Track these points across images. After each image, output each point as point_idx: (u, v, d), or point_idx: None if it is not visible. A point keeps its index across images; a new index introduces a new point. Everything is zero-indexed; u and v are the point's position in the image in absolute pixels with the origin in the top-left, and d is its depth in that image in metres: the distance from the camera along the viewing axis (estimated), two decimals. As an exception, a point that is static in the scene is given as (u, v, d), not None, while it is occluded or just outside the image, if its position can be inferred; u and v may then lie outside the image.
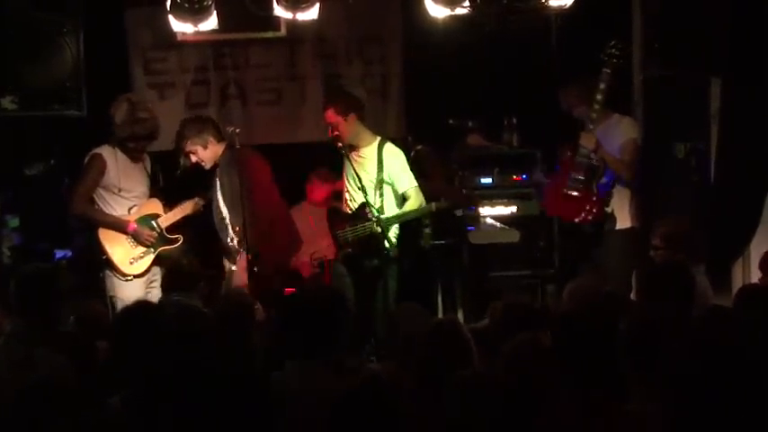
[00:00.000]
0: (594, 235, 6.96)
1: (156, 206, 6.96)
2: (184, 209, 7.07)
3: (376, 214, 6.64)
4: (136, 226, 6.78)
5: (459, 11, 6.86)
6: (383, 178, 6.83)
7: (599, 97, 6.71)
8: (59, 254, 7.62)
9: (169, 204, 7.02)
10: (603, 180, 6.85)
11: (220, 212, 7.08)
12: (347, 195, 7.01)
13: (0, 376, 4.30)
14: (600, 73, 6.69)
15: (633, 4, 7.68)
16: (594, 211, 6.83)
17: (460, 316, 7.45)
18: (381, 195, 6.82)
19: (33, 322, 4.60)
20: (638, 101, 7.79)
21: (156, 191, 7.00)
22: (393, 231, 6.85)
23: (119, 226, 6.77)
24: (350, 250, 6.93)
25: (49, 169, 7.88)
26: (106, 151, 6.78)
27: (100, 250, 6.74)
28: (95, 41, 7.47)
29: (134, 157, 6.85)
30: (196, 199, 7.13)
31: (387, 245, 6.66)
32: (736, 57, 6.89)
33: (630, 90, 7.76)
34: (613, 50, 6.66)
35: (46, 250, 7.63)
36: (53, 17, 7.13)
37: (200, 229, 7.30)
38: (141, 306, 4.77)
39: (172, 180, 7.16)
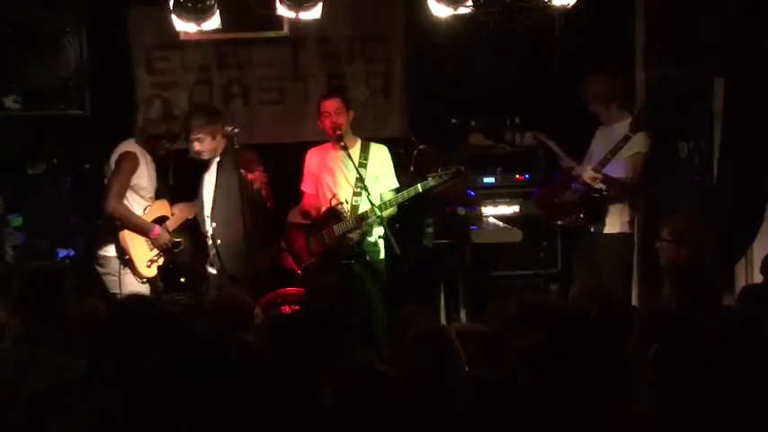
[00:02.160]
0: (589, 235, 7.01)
1: (165, 208, 6.98)
2: (185, 212, 7.08)
3: (379, 213, 6.66)
4: (159, 230, 6.79)
5: (462, 10, 6.84)
6: (364, 177, 6.84)
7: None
8: (62, 253, 7.62)
9: (174, 203, 7.05)
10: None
11: (202, 203, 7.11)
12: (329, 195, 6.98)
13: (7, 377, 4.29)
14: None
15: (636, 2, 7.68)
16: (579, 222, 6.95)
17: (463, 316, 7.46)
18: (359, 197, 6.84)
19: (39, 322, 4.59)
20: (640, 100, 7.78)
21: (160, 189, 7.02)
22: (378, 233, 6.89)
23: (145, 229, 6.77)
24: (313, 261, 6.95)
25: (52, 169, 7.88)
26: (137, 150, 6.79)
27: (123, 251, 6.73)
28: (98, 41, 7.48)
29: (158, 155, 6.87)
30: (196, 201, 7.14)
31: (390, 243, 6.69)
32: (739, 56, 6.89)
33: (633, 89, 7.76)
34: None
35: (48, 249, 7.63)
36: (56, 16, 7.13)
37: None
38: (139, 299, 4.77)
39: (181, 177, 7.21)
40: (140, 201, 6.82)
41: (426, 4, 6.91)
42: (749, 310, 4.80)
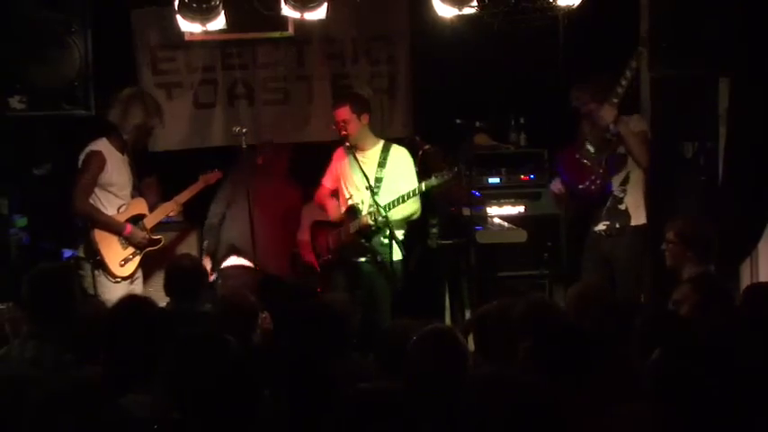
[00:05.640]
0: (605, 236, 7.01)
1: (142, 206, 7.01)
2: (165, 209, 7.11)
3: (384, 214, 6.68)
4: (132, 228, 6.81)
5: (467, 10, 6.85)
6: (382, 177, 6.87)
7: (624, 82, 6.72)
8: (67, 253, 7.62)
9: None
10: (620, 150, 6.92)
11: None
12: (347, 195, 7.04)
13: (14, 374, 4.29)
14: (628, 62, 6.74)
15: (641, 3, 7.67)
16: (599, 182, 6.93)
17: (468, 316, 7.44)
18: (377, 196, 6.85)
19: (47, 321, 4.60)
20: (646, 100, 7.78)
21: (137, 187, 7.04)
22: (398, 234, 6.90)
23: (116, 228, 6.81)
24: (329, 257, 7.00)
25: (57, 169, 7.88)
26: (105, 148, 6.83)
27: (94, 251, 6.76)
28: (103, 41, 7.48)
29: (136, 149, 6.90)
30: (175, 199, 7.17)
31: (393, 245, 6.70)
32: (744, 56, 6.87)
33: (639, 90, 7.75)
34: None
35: (53, 250, 7.63)
36: (61, 16, 7.13)
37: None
38: (135, 301, 4.77)
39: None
40: (114, 199, 6.87)
41: (431, 5, 6.91)
42: (753, 310, 4.79)
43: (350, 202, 7.03)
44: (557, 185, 7.36)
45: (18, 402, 3.61)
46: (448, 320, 7.62)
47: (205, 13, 6.80)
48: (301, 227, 8.09)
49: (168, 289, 5.97)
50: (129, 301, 4.76)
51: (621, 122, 6.79)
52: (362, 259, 6.94)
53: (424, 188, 6.81)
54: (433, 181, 6.79)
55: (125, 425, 3.40)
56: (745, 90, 7.03)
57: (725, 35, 6.87)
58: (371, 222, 6.75)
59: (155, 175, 7.76)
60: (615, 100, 6.77)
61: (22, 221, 7.75)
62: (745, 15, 6.81)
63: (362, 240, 6.89)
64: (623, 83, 6.74)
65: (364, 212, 6.89)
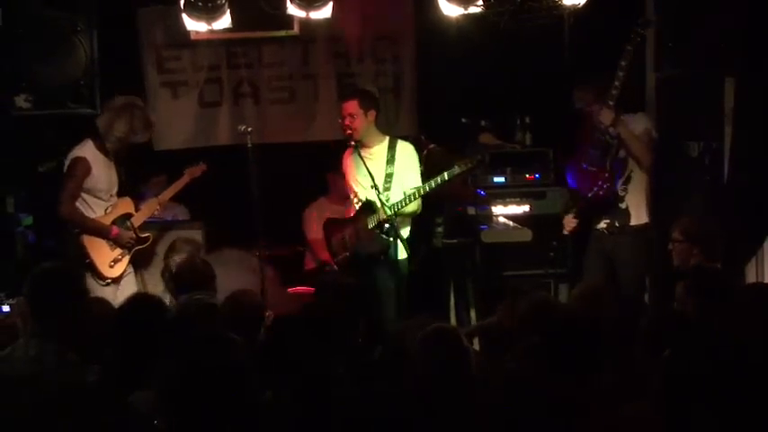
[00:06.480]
0: (607, 234, 7.01)
1: (128, 205, 7.01)
2: (151, 207, 7.11)
3: (389, 212, 6.66)
4: (118, 230, 6.81)
5: (473, 9, 6.85)
6: (392, 173, 6.86)
7: (617, 82, 6.70)
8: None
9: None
10: (621, 155, 6.87)
11: None
12: (355, 193, 7.04)
13: (16, 374, 4.31)
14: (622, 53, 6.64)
15: (647, 3, 7.66)
16: (606, 186, 6.87)
17: (473, 315, 7.45)
18: (389, 191, 6.84)
19: (50, 320, 4.60)
20: (651, 100, 7.77)
21: (123, 187, 7.05)
22: (405, 231, 6.89)
23: (103, 232, 6.80)
24: (347, 254, 6.99)
25: (63, 168, 7.88)
26: (90, 152, 6.80)
27: (83, 254, 6.75)
28: (109, 40, 7.49)
29: (117, 157, 6.91)
30: (159, 197, 7.19)
31: (399, 242, 6.69)
32: (750, 56, 6.87)
33: (644, 89, 7.75)
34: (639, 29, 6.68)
35: (58, 248, 7.64)
36: (67, 15, 7.15)
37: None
38: (144, 299, 4.76)
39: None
40: (99, 202, 6.86)
41: (437, 4, 6.91)
42: (750, 309, 4.78)
43: (355, 201, 6.99)
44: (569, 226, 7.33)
45: (19, 401, 3.62)
46: (453, 320, 7.62)
47: (211, 12, 6.81)
48: (309, 227, 8.09)
49: (177, 289, 5.97)
50: (139, 299, 4.77)
51: (620, 124, 6.74)
52: (379, 257, 6.90)
53: (447, 177, 6.68)
54: (456, 170, 6.67)
55: (128, 423, 3.41)
56: (750, 89, 7.02)
57: (730, 35, 6.87)
58: (390, 216, 6.69)
59: (163, 174, 7.78)
60: (611, 102, 6.72)
61: (28, 220, 7.76)
62: (750, 15, 6.81)
63: (383, 235, 6.80)
64: (616, 83, 6.68)
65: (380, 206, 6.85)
